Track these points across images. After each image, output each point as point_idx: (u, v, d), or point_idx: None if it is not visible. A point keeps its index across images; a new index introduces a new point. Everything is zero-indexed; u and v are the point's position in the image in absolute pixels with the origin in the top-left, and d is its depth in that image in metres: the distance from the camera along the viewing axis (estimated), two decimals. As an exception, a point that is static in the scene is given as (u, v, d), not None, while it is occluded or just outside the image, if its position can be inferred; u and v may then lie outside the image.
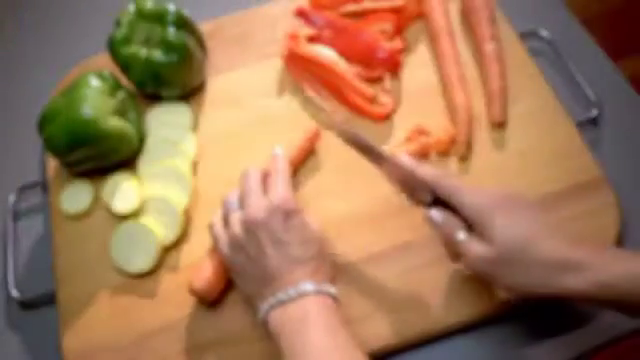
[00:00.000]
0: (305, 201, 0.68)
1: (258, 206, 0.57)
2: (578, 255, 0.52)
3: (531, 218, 0.54)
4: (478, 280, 0.60)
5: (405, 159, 0.59)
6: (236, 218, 0.58)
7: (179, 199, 0.69)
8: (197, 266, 0.63)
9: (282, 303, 0.54)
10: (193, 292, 0.61)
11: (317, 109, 0.68)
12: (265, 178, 0.61)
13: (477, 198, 0.55)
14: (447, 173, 0.58)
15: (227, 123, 0.75)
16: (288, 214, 0.57)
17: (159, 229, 0.67)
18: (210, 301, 0.62)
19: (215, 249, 0.62)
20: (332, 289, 0.56)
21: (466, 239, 0.55)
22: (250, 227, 0.57)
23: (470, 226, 0.55)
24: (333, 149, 0.72)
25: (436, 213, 0.56)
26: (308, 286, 0.54)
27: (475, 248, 0.54)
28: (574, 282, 0.51)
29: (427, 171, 0.58)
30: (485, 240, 0.54)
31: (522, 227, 0.53)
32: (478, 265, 0.54)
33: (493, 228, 0.53)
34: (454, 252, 0.57)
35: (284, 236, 0.56)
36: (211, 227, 0.61)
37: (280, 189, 0.59)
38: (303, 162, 0.71)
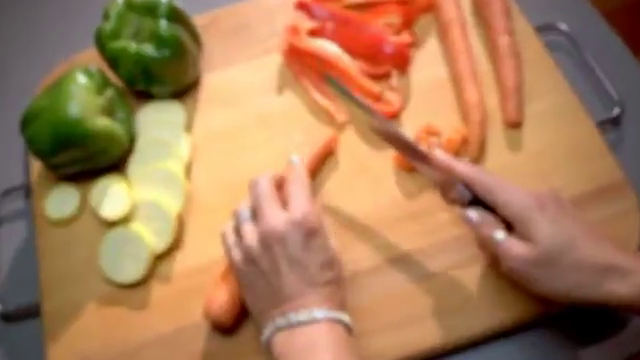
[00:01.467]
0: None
1: (277, 218, 0.56)
2: (623, 260, 0.52)
3: (576, 220, 0.55)
4: (504, 286, 0.61)
5: (440, 155, 0.59)
6: (250, 229, 0.57)
7: (172, 204, 0.68)
8: (211, 291, 0.62)
9: (291, 326, 0.53)
10: (209, 318, 0.61)
11: (349, 105, 0.68)
12: (278, 186, 0.60)
13: (520, 196, 0.55)
14: (485, 170, 0.59)
15: (223, 122, 0.75)
16: (310, 232, 0.56)
17: (150, 236, 0.66)
18: (227, 327, 0.62)
19: (229, 271, 0.62)
20: (347, 317, 0.56)
21: (505, 239, 0.55)
22: (266, 240, 0.56)
23: (508, 226, 0.56)
24: (340, 152, 0.72)
25: (473, 212, 0.57)
26: (321, 312, 0.54)
27: (515, 248, 0.54)
28: (618, 287, 0.52)
29: (464, 168, 0.58)
30: (527, 240, 0.54)
31: (567, 228, 0.54)
32: (518, 267, 0.54)
33: (537, 227, 0.53)
34: (491, 254, 0.58)
35: (302, 256, 0.55)
36: (223, 237, 0.60)
37: (302, 202, 0.57)
38: (318, 170, 0.71)
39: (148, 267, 0.65)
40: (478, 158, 0.70)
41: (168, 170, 0.70)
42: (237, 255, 0.57)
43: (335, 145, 0.71)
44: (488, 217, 0.57)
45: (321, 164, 0.70)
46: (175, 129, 0.73)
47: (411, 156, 0.61)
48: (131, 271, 0.65)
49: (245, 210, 0.59)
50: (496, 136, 0.71)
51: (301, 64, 0.76)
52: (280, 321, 0.54)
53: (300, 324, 0.53)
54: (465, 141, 0.70)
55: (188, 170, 0.72)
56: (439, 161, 0.59)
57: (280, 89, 0.77)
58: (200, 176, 0.72)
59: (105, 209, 0.68)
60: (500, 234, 0.55)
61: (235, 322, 0.62)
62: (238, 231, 0.59)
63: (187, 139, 0.73)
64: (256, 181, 0.59)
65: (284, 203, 0.58)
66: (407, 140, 0.61)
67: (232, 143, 0.74)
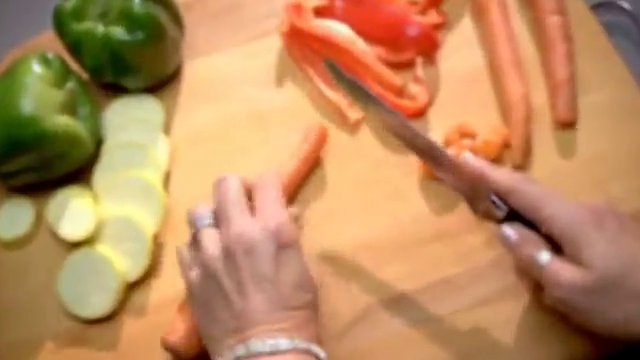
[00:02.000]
0: (308, 227, 0.65)
1: (247, 224, 0.55)
2: None
3: (638, 239, 0.54)
4: (548, 320, 0.60)
5: (471, 159, 0.59)
6: (211, 235, 0.56)
7: (147, 221, 0.67)
8: (170, 313, 0.62)
9: (252, 356, 0.52)
10: (166, 347, 0.60)
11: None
12: (247, 192, 0.60)
13: (570, 209, 0.54)
14: (528, 177, 0.58)
15: (209, 122, 0.74)
16: (284, 245, 0.55)
17: (121, 260, 0.66)
18: (188, 358, 0.61)
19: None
20: (322, 352, 0.54)
21: (552, 261, 0.54)
22: (231, 249, 0.54)
23: (555, 247, 0.55)
24: (342, 156, 0.70)
25: (510, 229, 0.56)
26: (291, 341, 0.52)
27: (564, 273, 0.53)
28: None
29: (499, 175, 0.57)
30: (578, 263, 0.53)
31: (628, 248, 0.53)
32: (567, 295, 0.53)
33: (592, 247, 0.52)
34: (534, 281, 0.57)
35: (274, 272, 0.54)
36: (178, 255, 0.59)
37: (275, 210, 0.57)
38: (306, 178, 0.70)
39: (118, 298, 0.65)
40: (522, 164, 0.68)
41: (142, 180, 0.69)
42: (194, 273, 0.57)
43: (324, 143, 0.69)
44: (530, 235, 0.55)
45: (309, 169, 0.69)
46: (151, 130, 0.72)
47: (435, 161, 0.60)
48: (98, 303, 0.65)
49: (205, 214, 0.58)
50: (544, 138, 0.70)
51: (305, 50, 0.75)
52: (240, 350, 0.52)
53: (264, 354, 0.52)
54: (506, 144, 0.69)
55: (166, 180, 0.71)
56: (469, 166, 0.58)
57: (279, 80, 0.76)
58: (181, 187, 0.71)
59: (66, 227, 0.68)
60: (545, 255, 0.54)
61: (198, 353, 0.60)
62: (195, 244, 0.58)
63: (165, 142, 0.72)
64: (224, 179, 0.59)
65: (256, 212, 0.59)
66: (429, 141, 0.60)
67: (220, 146, 0.73)
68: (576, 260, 0.53)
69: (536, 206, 0.55)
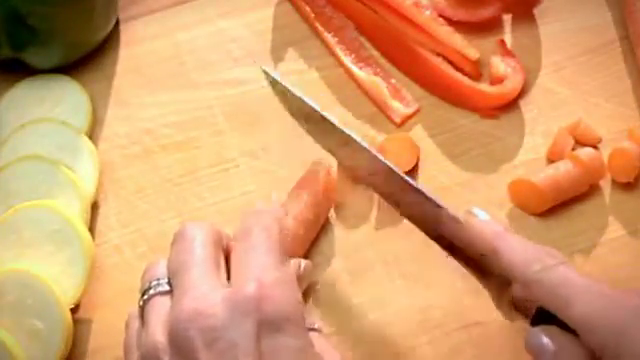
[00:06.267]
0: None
1: (210, 293, 0.51)
2: None
3: None
4: None
5: (481, 221, 0.57)
6: (161, 309, 0.53)
7: (62, 285, 0.63)
8: None
9: None
10: None
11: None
12: (226, 248, 0.56)
13: (612, 308, 0.52)
14: (550, 253, 0.55)
15: (164, 121, 0.70)
16: (273, 324, 0.50)
17: (24, 346, 0.61)
18: None
19: None
20: None
21: None
22: (183, 334, 0.50)
23: None
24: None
25: (545, 336, 0.54)
26: None
27: None
28: None
29: (514, 252, 0.55)
30: None
31: None
32: None
33: None
34: None
35: None
36: (129, 326, 0.56)
37: (261, 264, 0.53)
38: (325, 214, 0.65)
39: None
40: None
41: (54, 216, 0.64)
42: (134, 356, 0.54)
43: (332, 190, 0.65)
44: (571, 346, 0.53)
45: (318, 222, 0.64)
46: (68, 134, 0.69)
47: (429, 223, 0.60)
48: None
49: (162, 275, 0.55)
50: None
51: (323, 7, 0.73)
52: None
53: None
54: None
55: (94, 216, 0.67)
56: (475, 233, 0.57)
57: (279, 54, 0.72)
58: (117, 227, 0.67)
59: None
60: None
61: None
62: (142, 320, 0.55)
63: (92, 154, 0.68)
64: (184, 231, 0.56)
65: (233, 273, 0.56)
66: (422, 192, 0.58)
67: (181, 162, 0.68)
68: None
69: (562, 301, 0.53)
